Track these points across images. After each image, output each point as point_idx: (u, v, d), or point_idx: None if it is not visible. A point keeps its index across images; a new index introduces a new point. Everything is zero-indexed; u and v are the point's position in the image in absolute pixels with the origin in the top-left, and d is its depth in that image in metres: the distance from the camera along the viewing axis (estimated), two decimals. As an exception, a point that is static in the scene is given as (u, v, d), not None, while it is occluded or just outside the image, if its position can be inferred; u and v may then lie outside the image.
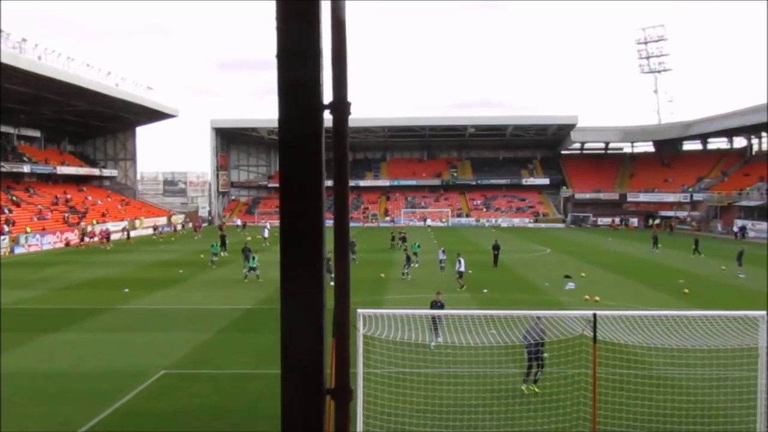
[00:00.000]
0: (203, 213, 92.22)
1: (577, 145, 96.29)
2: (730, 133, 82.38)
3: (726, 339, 12.38)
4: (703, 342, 12.60)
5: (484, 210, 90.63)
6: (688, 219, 76.71)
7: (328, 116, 2.43)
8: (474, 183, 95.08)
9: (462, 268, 30.10)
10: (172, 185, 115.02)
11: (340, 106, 2.44)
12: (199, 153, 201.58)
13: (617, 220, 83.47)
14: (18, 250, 49.81)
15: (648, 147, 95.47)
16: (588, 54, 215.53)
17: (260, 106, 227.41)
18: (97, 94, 64.91)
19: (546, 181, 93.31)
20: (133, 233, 64.83)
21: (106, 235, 57.93)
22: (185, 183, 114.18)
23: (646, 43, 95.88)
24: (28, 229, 53.74)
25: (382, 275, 33.29)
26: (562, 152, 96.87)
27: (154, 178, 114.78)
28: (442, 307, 18.51)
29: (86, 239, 58.84)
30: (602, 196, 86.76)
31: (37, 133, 77.12)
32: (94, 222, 63.84)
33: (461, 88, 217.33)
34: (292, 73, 2.36)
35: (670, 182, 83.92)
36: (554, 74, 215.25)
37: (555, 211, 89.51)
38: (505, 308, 20.19)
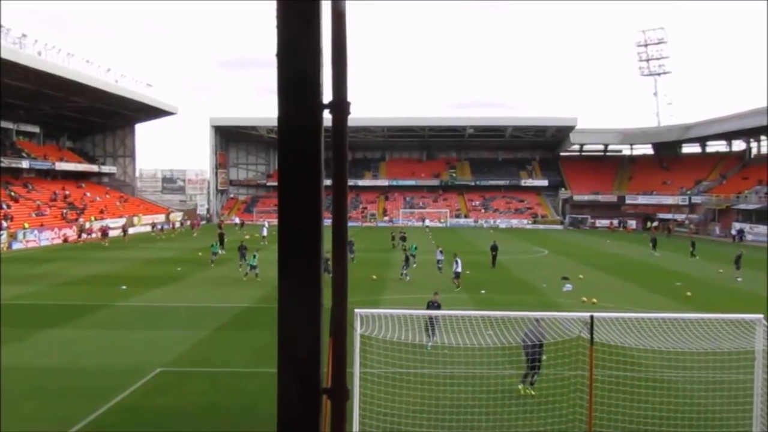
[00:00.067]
0: (202, 211, 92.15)
1: (576, 147, 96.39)
2: (729, 136, 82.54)
3: (722, 342, 12.40)
4: (700, 345, 12.62)
5: (483, 211, 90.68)
6: (687, 222, 76.84)
7: (327, 115, 2.43)
8: (473, 184, 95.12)
9: (459, 269, 30.09)
10: (170, 183, 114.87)
11: (340, 106, 2.44)
12: (198, 151, 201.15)
13: (615, 222, 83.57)
14: (16, 246, 49.78)
15: (647, 149, 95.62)
16: (588, 56, 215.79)
17: (260, 104, 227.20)
18: (97, 90, 64.89)
19: (545, 182, 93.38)
20: (131, 230, 64.82)
21: (105, 232, 57.96)
22: (184, 181, 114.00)
23: (646, 45, 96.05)
24: (26, 225, 53.68)
25: (374, 277, 32.68)
26: (561, 154, 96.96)
27: (153, 176, 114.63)
28: (438, 307, 18.51)
29: (84, 236, 58.84)
30: (601, 198, 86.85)
31: (36, 129, 77.06)
32: (93, 218, 63.80)
33: (461, 89, 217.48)
34: (291, 72, 2.36)
35: (669, 185, 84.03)
36: (554, 76, 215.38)
37: (553, 213, 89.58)
38: (503, 309, 20.22)
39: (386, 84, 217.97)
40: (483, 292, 28.95)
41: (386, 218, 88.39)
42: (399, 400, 12.59)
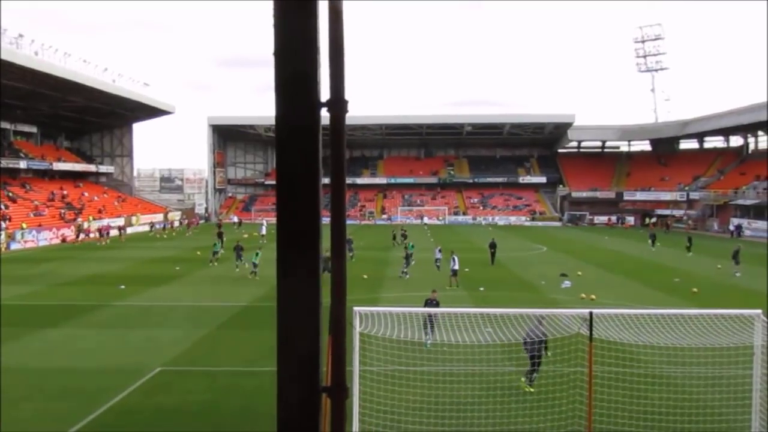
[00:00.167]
0: (200, 210, 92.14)
1: (574, 144, 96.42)
2: (726, 132, 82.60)
3: (721, 337, 12.42)
4: (699, 340, 12.63)
5: (481, 208, 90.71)
6: (685, 218, 76.90)
7: (325, 114, 2.42)
8: (471, 181, 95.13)
9: (456, 267, 30.05)
10: (168, 182, 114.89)
11: (338, 104, 2.43)
12: (196, 150, 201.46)
13: (614, 218, 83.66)
14: (14, 246, 49.72)
15: (645, 146, 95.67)
16: (585, 53, 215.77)
17: (257, 103, 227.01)
18: (94, 90, 64.81)
19: (543, 179, 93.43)
20: (129, 230, 64.78)
21: (106, 231, 58.17)
22: (182, 180, 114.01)
23: (643, 41, 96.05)
24: (25, 225, 53.61)
25: (365, 276, 31.91)
26: (559, 151, 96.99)
27: (151, 175, 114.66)
28: (437, 305, 18.51)
29: (81, 236, 58.80)
30: (599, 194, 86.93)
31: (33, 129, 76.91)
32: (91, 218, 63.74)
33: (459, 87, 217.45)
34: (289, 71, 2.36)
35: (667, 181, 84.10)
36: (551, 73, 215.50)
37: (551, 210, 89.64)
38: (502, 306, 20.26)
39: (384, 82, 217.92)
40: (482, 289, 28.97)
41: (385, 216, 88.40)
42: (399, 398, 12.60)
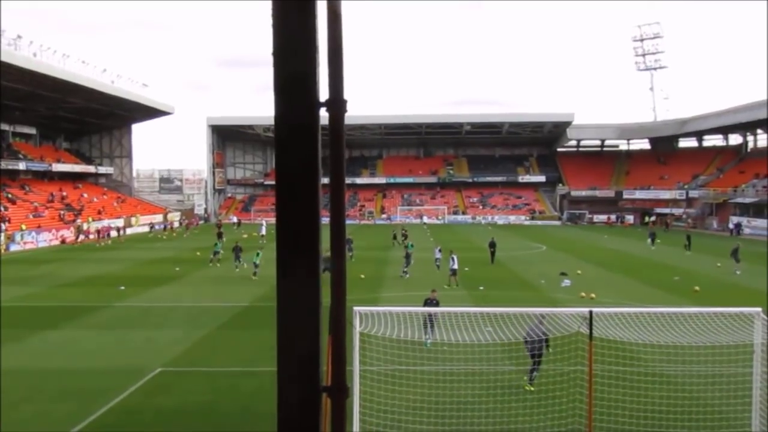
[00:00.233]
0: (199, 210, 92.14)
1: (573, 143, 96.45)
2: (725, 130, 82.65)
3: (721, 336, 12.43)
4: (699, 339, 12.64)
5: (481, 207, 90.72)
6: (684, 216, 76.93)
7: (324, 113, 2.43)
8: (470, 180, 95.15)
9: (455, 266, 30.03)
10: (168, 183, 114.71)
11: (337, 104, 2.44)
12: (196, 150, 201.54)
13: (613, 217, 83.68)
14: (14, 248, 49.70)
15: (644, 144, 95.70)
16: (584, 51, 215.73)
17: (256, 103, 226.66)
18: (93, 91, 64.80)
19: (542, 178, 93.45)
20: (129, 230, 64.76)
21: (107, 232, 58.24)
22: (181, 180, 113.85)
23: (642, 40, 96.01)
24: (24, 227, 53.60)
25: (362, 276, 31.48)
26: (558, 149, 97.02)
27: (150, 176, 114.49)
28: (437, 304, 18.51)
29: (81, 237, 58.79)
30: (598, 193, 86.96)
31: (32, 130, 76.87)
32: (90, 219, 63.72)
33: (457, 86, 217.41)
34: (288, 71, 2.36)
35: (666, 179, 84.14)
36: (550, 72, 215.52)
37: (551, 209, 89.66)
38: (501, 306, 20.26)
39: (383, 81, 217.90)
40: (481, 288, 28.97)
41: (384, 216, 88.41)
42: (399, 398, 12.61)
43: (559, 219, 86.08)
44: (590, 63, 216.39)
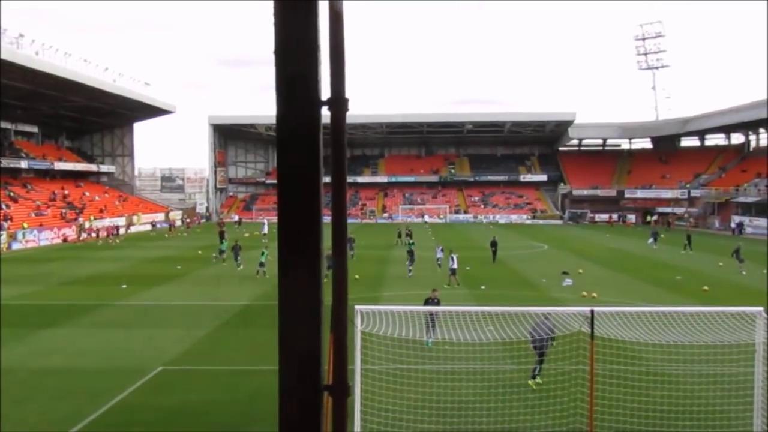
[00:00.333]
0: (201, 209, 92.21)
1: (575, 142, 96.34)
2: (727, 129, 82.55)
3: (722, 335, 12.42)
4: (700, 338, 12.63)
5: (482, 206, 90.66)
6: (686, 215, 76.84)
7: (326, 112, 2.43)
8: (472, 179, 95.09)
9: (455, 266, 30.01)
10: (169, 181, 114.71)
11: (338, 103, 2.44)
12: (197, 149, 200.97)
13: (615, 216, 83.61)
14: (15, 246, 49.76)
15: (645, 143, 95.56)
16: (586, 50, 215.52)
17: (258, 102, 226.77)
18: (95, 89, 64.81)
19: (544, 177, 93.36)
20: (131, 229, 64.83)
21: (113, 231, 58.31)
22: (183, 179, 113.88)
23: (644, 39, 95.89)
24: (26, 225, 53.66)
25: (357, 276, 30.38)
26: (560, 149, 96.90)
27: (152, 174, 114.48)
28: (438, 303, 18.52)
29: (84, 235, 58.89)
30: (600, 192, 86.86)
31: (34, 129, 76.94)
32: (92, 218, 63.80)
33: (459, 85, 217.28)
34: (290, 70, 2.36)
35: (668, 178, 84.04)
36: (552, 71, 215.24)
37: (553, 208, 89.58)
38: (503, 305, 20.26)
39: (384, 80, 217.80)
40: (483, 287, 28.97)
41: (386, 215, 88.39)
42: (400, 397, 12.61)
43: (561, 218, 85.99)
44: (592, 62, 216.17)
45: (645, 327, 13.67)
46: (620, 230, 70.67)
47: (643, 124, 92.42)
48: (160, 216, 77.62)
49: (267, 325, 19.16)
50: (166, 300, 26.50)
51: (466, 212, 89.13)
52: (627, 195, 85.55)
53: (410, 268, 33.42)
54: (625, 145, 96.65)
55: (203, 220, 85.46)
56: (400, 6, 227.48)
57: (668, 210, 79.61)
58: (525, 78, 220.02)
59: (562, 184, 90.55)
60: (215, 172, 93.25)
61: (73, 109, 71.34)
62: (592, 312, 11.54)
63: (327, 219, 2.25)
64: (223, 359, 17.49)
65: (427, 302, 18.55)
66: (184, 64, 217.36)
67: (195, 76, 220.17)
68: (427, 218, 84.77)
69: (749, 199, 67.45)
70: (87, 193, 73.85)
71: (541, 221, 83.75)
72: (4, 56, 50.03)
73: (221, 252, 39.63)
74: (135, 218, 70.94)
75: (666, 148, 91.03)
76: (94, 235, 59.38)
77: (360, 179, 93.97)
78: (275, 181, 2.45)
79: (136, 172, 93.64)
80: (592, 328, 11.43)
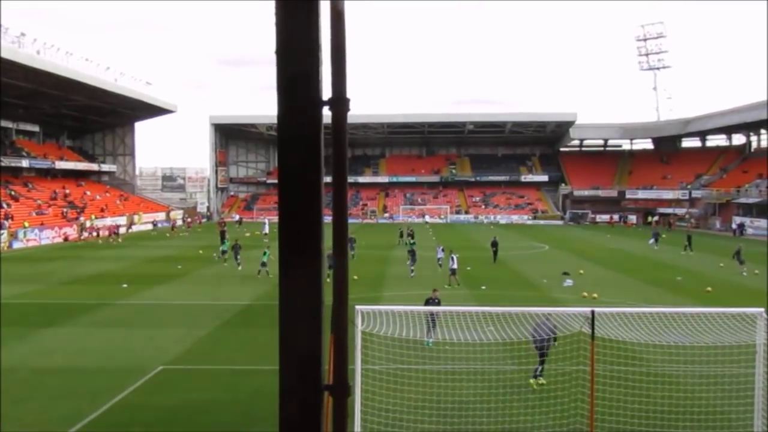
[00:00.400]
0: (202, 209, 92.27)
1: (576, 142, 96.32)
2: (728, 130, 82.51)
3: (723, 336, 12.41)
4: (701, 339, 12.63)
5: (483, 207, 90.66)
6: (687, 216, 76.81)
7: (327, 112, 2.43)
8: (473, 180, 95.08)
9: (455, 266, 30.00)
10: (170, 181, 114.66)
11: (340, 102, 2.44)
12: (198, 149, 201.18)
13: (616, 217, 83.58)
14: (16, 245, 49.80)
15: (647, 144, 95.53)
16: (587, 51, 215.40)
17: (259, 102, 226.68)
18: (96, 89, 64.88)
19: (545, 177, 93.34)
20: (133, 228, 64.90)
21: (115, 230, 58.36)
22: (184, 179, 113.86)
23: (645, 40, 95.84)
24: (27, 224, 53.71)
25: (355, 277, 29.93)
26: (561, 149, 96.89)
27: (153, 174, 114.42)
28: (438, 303, 18.52)
29: (85, 234, 58.93)
30: (601, 193, 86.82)
31: (35, 128, 77.05)
32: (93, 217, 63.83)
33: (460, 85, 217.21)
34: (291, 69, 2.36)
35: (669, 179, 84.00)
36: (553, 71, 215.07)
37: (553, 208, 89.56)
38: (503, 305, 20.26)
39: (386, 80, 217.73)
40: (484, 287, 28.97)
41: (387, 215, 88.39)
42: (400, 397, 12.61)
43: (562, 219, 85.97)
44: (593, 62, 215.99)
45: (646, 328, 13.66)
46: (621, 231, 70.63)
47: (645, 125, 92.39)
48: (161, 215, 77.71)
49: (268, 325, 19.16)
50: (166, 299, 26.51)
51: (467, 212, 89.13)
52: (628, 195, 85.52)
53: (412, 268, 33.43)
54: (626, 145, 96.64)
55: (204, 220, 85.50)
56: (402, 6, 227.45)
57: (669, 211, 79.59)
58: (526, 78, 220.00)
59: (563, 184, 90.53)
60: (216, 171, 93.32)
61: (74, 108, 71.42)
62: (592, 312, 11.54)
63: (328, 219, 2.25)
64: (223, 359, 17.49)
65: (427, 302, 18.55)
66: (185, 64, 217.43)
67: (196, 76, 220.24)
68: (428, 218, 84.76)
69: (750, 200, 67.41)
70: (88, 193, 73.90)
71: (541, 222, 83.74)
72: (6, 55, 50.10)
73: (223, 252, 39.68)
74: (136, 218, 70.99)
75: (667, 149, 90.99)
76: (95, 234, 59.44)
77: (361, 179, 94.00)
78: (276, 181, 2.44)
79: (137, 172, 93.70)
80: (593, 328, 11.43)
